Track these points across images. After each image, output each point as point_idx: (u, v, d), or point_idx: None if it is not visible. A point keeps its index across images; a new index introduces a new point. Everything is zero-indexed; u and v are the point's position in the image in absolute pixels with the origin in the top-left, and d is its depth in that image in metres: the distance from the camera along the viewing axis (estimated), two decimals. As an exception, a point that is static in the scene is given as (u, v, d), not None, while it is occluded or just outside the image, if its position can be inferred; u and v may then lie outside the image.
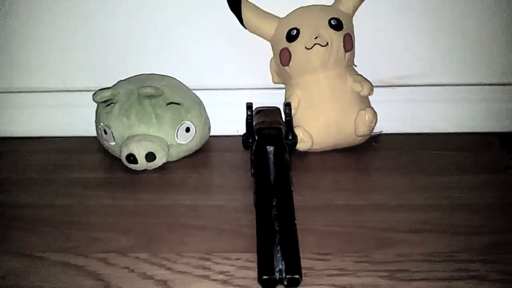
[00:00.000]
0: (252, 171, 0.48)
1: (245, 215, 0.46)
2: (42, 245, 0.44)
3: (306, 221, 0.45)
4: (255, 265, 0.38)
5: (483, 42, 0.65)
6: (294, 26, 0.57)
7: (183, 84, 0.64)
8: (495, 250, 0.41)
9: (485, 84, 0.67)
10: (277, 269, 0.36)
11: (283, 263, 0.36)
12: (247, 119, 0.53)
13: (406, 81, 0.66)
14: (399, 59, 0.66)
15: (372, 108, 0.59)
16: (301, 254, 0.38)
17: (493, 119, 0.67)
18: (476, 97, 0.67)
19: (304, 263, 0.37)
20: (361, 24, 0.61)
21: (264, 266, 0.37)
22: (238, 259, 0.41)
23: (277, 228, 0.39)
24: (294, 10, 0.60)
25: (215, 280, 0.38)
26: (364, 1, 0.60)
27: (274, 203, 0.42)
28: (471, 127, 0.67)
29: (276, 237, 0.38)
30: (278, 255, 0.37)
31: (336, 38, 0.56)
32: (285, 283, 0.36)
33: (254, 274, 0.37)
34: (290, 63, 0.58)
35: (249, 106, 0.53)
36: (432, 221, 0.46)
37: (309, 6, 0.59)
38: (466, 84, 0.67)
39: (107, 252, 0.42)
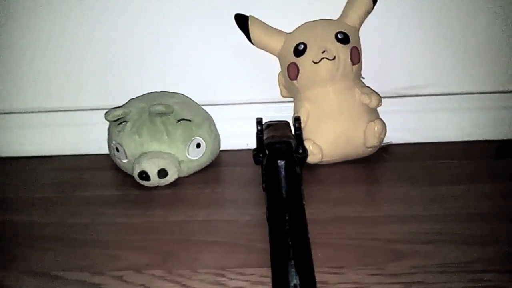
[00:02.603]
0: (264, 185, 0.49)
1: (258, 229, 0.46)
2: (58, 264, 0.44)
3: (319, 235, 0.45)
4: (269, 280, 0.38)
5: (489, 50, 0.65)
6: (301, 41, 0.58)
7: (193, 101, 0.65)
8: (510, 259, 0.41)
9: (492, 92, 0.67)
10: (292, 284, 0.36)
11: (297, 278, 0.36)
12: (257, 134, 0.53)
13: (414, 91, 0.67)
14: (406, 70, 0.66)
15: (381, 119, 0.59)
16: (315, 268, 0.38)
17: (502, 127, 0.67)
18: (484, 105, 0.67)
19: (318, 277, 0.37)
20: (367, 37, 0.61)
21: (279, 281, 0.37)
22: (252, 274, 0.41)
23: (290, 242, 0.39)
24: (300, 25, 0.60)
25: (230, 296, 0.39)
26: (370, 14, 0.61)
27: (287, 218, 0.42)
28: (480, 135, 0.67)
29: (289, 252, 0.38)
30: (293, 270, 0.37)
31: (343, 51, 0.57)
32: (300, 298, 0.36)
33: (269, 289, 0.38)
34: (298, 77, 0.59)
35: (259, 121, 0.54)
36: (445, 231, 0.46)
37: (316, 20, 0.60)
38: (473, 92, 0.67)
39: (123, 269, 0.42)
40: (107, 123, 0.63)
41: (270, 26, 0.61)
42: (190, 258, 0.44)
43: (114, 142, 0.60)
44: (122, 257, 0.45)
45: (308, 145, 0.57)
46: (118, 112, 0.59)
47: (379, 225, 0.47)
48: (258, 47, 0.62)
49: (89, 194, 0.58)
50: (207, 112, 0.65)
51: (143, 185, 0.57)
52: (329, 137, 0.58)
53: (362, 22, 0.61)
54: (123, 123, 0.59)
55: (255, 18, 0.61)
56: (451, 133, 0.67)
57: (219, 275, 0.41)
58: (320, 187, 0.56)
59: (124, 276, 0.42)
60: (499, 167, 0.59)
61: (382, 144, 0.61)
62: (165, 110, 0.58)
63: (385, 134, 0.59)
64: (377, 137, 0.58)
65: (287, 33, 0.61)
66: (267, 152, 0.49)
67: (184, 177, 0.61)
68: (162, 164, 0.56)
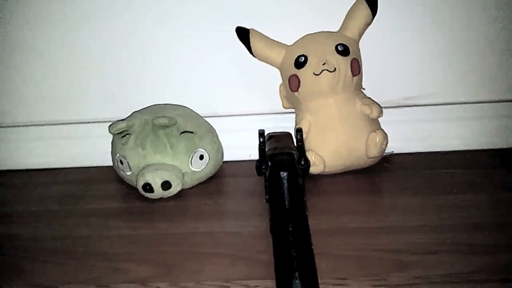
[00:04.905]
0: (267, 197, 0.49)
1: (262, 241, 0.46)
2: (63, 277, 0.44)
3: (322, 246, 0.45)
4: (274, 292, 0.38)
5: (489, 60, 0.66)
6: (302, 53, 0.59)
7: (196, 113, 0.65)
8: (514, 269, 0.41)
9: (493, 101, 0.67)
10: (296, 296, 0.36)
11: (302, 289, 0.37)
12: (259, 146, 0.53)
13: (415, 101, 0.67)
14: (407, 80, 0.67)
15: (382, 130, 0.60)
16: (319, 280, 0.38)
17: (503, 135, 0.67)
18: (485, 114, 0.67)
19: (322, 288, 0.38)
20: (368, 47, 0.62)
21: (283, 293, 0.37)
22: (256, 286, 0.41)
23: (294, 254, 0.39)
24: (301, 38, 0.61)
25: (235, 308, 0.39)
26: (370, 26, 0.61)
27: (290, 229, 0.42)
28: (482, 144, 0.67)
29: (294, 263, 0.38)
30: (297, 281, 0.37)
31: (343, 63, 0.58)
32: (305, 309, 0.36)
33: (273, 301, 0.38)
34: (299, 89, 0.59)
35: (261, 133, 0.54)
36: (448, 241, 0.46)
37: (316, 33, 0.61)
38: (474, 102, 0.67)
39: (128, 282, 0.43)
40: (111, 136, 0.63)
41: (271, 39, 0.62)
42: (195, 270, 0.44)
43: (118, 154, 0.61)
44: (126, 269, 0.45)
45: (310, 156, 0.57)
46: (122, 125, 0.60)
47: (382, 236, 0.47)
48: (259, 59, 0.63)
49: (93, 207, 0.59)
50: (209, 124, 0.65)
51: (146, 197, 0.58)
52: (331, 148, 0.59)
53: (362, 34, 0.61)
54: (127, 136, 0.60)
55: (256, 31, 0.62)
56: (453, 143, 0.67)
57: (223, 287, 0.41)
58: (323, 197, 0.57)
59: (129, 289, 0.42)
60: (501, 176, 0.59)
61: (384, 154, 0.62)
62: (168, 122, 0.58)
63: (386, 144, 0.60)
64: (378, 147, 0.58)
65: (287, 45, 0.62)
66: (269, 163, 0.49)
67: (188, 188, 0.61)
68: (165, 176, 0.57)
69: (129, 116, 0.64)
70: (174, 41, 0.67)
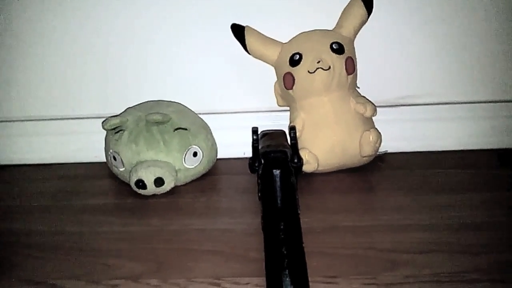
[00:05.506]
0: (259, 194, 0.49)
1: (254, 238, 0.46)
2: (54, 272, 0.44)
3: (314, 244, 0.45)
4: (264, 289, 0.38)
5: (485, 60, 0.66)
6: (297, 51, 0.59)
7: (190, 110, 0.65)
8: (504, 269, 0.41)
9: (488, 102, 0.67)
10: (286, 293, 0.36)
11: (292, 287, 0.37)
12: (253, 143, 0.53)
13: (410, 100, 0.67)
14: (402, 80, 0.67)
15: (376, 128, 0.60)
16: (309, 278, 0.38)
17: (497, 136, 0.67)
18: (480, 115, 0.67)
19: (312, 286, 0.38)
20: (363, 46, 0.62)
21: (273, 291, 0.37)
22: (247, 283, 0.41)
23: (285, 252, 0.39)
24: (296, 35, 0.61)
25: (225, 305, 0.39)
26: (366, 24, 0.61)
27: (282, 227, 0.42)
28: (476, 144, 0.67)
29: (284, 261, 0.38)
30: (287, 279, 0.37)
31: (338, 61, 0.58)
32: (295, 307, 0.36)
33: (264, 298, 0.38)
34: (294, 87, 0.59)
35: (254, 130, 0.54)
36: (440, 241, 0.46)
37: (311, 31, 0.61)
38: (469, 102, 0.67)
39: (119, 278, 0.43)
40: (104, 132, 0.63)
41: (266, 36, 0.62)
42: (186, 267, 0.44)
43: (111, 150, 0.61)
44: (118, 266, 0.45)
45: (303, 154, 0.57)
46: (115, 121, 0.60)
47: (374, 234, 0.47)
48: (254, 56, 0.63)
49: (86, 203, 0.58)
50: (204, 121, 0.65)
51: (139, 194, 0.58)
52: (325, 146, 0.59)
53: (357, 32, 0.61)
54: (120, 132, 0.60)
55: (251, 28, 0.62)
56: (447, 142, 0.68)
57: (214, 284, 0.41)
58: (316, 196, 0.57)
59: (119, 285, 0.42)
60: (495, 176, 0.60)
61: (378, 153, 0.62)
62: (162, 119, 0.58)
63: (380, 143, 0.60)
64: (372, 146, 0.58)
65: (283, 43, 0.62)
66: (262, 161, 0.49)
67: (181, 185, 0.61)
68: (158, 173, 0.57)
69: (122, 112, 0.63)
70: (170, 38, 0.66)
